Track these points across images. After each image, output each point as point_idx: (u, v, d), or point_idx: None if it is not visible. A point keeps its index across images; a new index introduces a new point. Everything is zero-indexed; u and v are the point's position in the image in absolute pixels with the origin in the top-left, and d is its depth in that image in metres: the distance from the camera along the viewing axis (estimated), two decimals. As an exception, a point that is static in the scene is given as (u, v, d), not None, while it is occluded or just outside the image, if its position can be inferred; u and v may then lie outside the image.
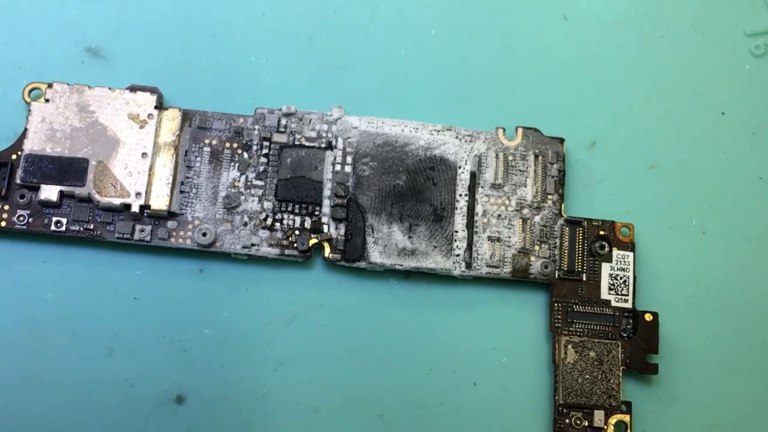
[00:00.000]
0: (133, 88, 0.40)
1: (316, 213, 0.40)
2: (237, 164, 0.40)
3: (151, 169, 0.39)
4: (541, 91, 0.44)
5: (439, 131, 0.41)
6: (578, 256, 0.40)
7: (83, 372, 0.39)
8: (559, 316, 0.40)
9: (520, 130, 0.41)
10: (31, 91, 0.40)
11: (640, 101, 0.44)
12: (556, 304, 0.40)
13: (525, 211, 0.41)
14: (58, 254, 0.40)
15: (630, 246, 0.41)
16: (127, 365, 0.39)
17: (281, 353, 0.40)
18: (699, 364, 0.41)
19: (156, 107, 0.40)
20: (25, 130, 0.39)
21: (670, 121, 0.44)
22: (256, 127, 0.41)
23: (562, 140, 0.41)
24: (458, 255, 0.40)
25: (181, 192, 0.40)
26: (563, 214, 0.41)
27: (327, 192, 0.40)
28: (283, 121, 0.41)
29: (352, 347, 0.40)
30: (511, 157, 0.41)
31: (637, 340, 0.39)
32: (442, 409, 0.40)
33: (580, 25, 0.45)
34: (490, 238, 0.40)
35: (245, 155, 0.40)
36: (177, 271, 0.40)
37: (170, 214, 0.39)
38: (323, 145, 0.41)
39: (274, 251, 0.39)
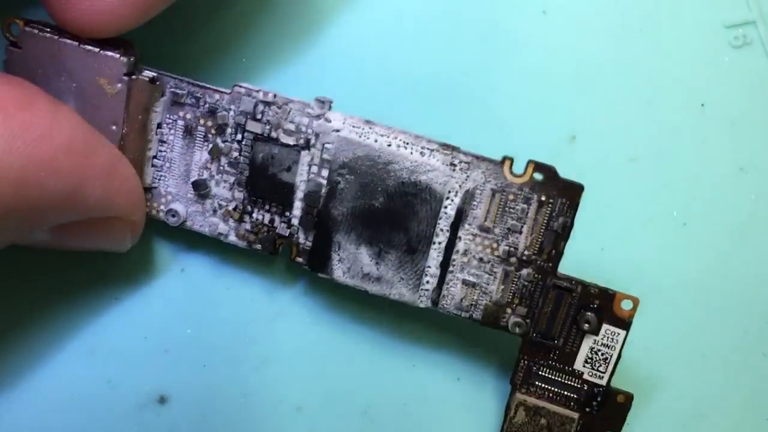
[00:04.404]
0: (104, 45, 0.35)
1: (287, 214, 0.37)
2: (210, 146, 0.37)
3: (122, 140, 0.37)
4: (520, 86, 0.42)
5: (432, 151, 0.34)
6: (559, 322, 0.35)
7: (64, 374, 0.40)
8: (521, 374, 0.37)
9: (530, 166, 0.34)
10: (10, 25, 0.36)
11: (619, 94, 0.43)
12: (522, 361, 0.36)
13: (512, 260, 0.35)
14: (36, 252, 0.39)
15: (625, 324, 0.35)
16: (108, 366, 0.40)
17: (264, 352, 0.40)
18: (680, 359, 0.41)
19: (126, 74, 0.36)
20: None
21: (650, 113, 0.43)
22: (232, 107, 0.36)
23: (580, 188, 0.34)
24: (426, 290, 0.36)
25: (153, 166, 0.37)
26: (557, 274, 0.35)
27: (299, 194, 0.36)
28: (260, 108, 0.36)
29: (335, 344, 0.40)
30: (511, 197, 0.34)
31: (600, 418, 0.36)
32: (426, 405, 0.40)
33: (559, 19, 0.43)
34: (465, 282, 0.36)
35: (218, 140, 0.36)
36: (158, 271, 0.40)
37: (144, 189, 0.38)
38: (300, 142, 0.36)
39: (241, 243, 0.38)
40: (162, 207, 0.38)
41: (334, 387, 0.40)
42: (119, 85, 0.36)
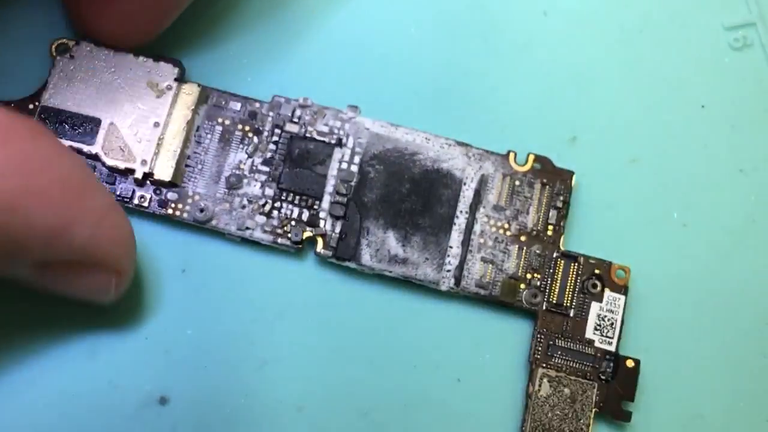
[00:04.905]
0: (157, 58, 0.41)
1: (315, 207, 0.40)
2: (246, 147, 0.40)
3: (160, 139, 0.40)
4: (520, 87, 0.44)
5: (450, 145, 0.41)
6: (569, 291, 0.40)
7: (65, 374, 0.38)
8: (540, 348, 0.39)
9: (531, 157, 0.41)
10: (58, 46, 0.41)
11: (620, 95, 0.44)
12: (539, 335, 0.40)
13: (523, 237, 0.40)
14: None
15: (623, 289, 0.40)
16: (109, 367, 0.39)
17: (265, 352, 0.39)
18: (680, 360, 0.41)
19: (176, 79, 0.40)
20: (46, 82, 0.40)
21: (650, 115, 0.44)
22: (271, 113, 0.41)
23: (571, 173, 0.41)
24: (449, 270, 0.40)
25: (187, 166, 0.40)
26: (561, 247, 0.41)
27: (329, 188, 0.40)
28: (298, 112, 0.41)
29: (337, 345, 0.40)
30: (518, 182, 0.41)
31: (615, 386, 0.39)
32: (427, 406, 0.40)
33: (559, 21, 0.45)
34: (483, 259, 0.40)
35: (256, 139, 0.41)
36: (159, 272, 0.40)
37: (172, 186, 0.40)
38: (333, 141, 0.41)
39: (267, 238, 0.39)
40: (188, 208, 0.39)
41: (334, 388, 0.40)
42: (168, 88, 0.40)
